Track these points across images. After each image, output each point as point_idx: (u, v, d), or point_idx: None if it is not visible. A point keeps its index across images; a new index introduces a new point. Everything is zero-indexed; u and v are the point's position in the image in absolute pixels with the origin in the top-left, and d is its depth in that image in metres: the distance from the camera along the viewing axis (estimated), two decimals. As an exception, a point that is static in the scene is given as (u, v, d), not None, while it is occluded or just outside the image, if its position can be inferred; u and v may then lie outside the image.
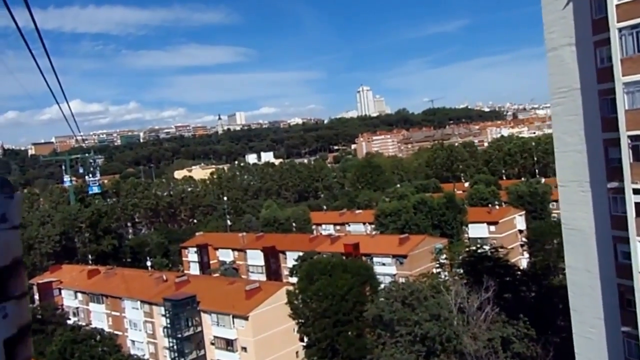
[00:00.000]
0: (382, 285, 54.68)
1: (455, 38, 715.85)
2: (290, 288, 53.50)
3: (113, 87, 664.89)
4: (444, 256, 74.28)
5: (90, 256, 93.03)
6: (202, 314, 55.18)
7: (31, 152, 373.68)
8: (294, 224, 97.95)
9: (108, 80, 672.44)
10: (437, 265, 73.08)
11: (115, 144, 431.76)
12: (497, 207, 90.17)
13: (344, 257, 69.30)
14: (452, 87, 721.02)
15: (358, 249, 72.06)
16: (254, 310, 50.88)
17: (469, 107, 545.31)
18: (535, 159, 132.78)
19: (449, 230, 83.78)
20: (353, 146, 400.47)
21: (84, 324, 71.83)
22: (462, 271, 62.38)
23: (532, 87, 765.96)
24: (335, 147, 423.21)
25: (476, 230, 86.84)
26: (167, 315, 55.12)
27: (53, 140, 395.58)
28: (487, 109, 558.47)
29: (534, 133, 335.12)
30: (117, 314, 66.80)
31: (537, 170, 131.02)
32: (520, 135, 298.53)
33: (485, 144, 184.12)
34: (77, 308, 73.31)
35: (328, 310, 50.31)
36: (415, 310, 38.77)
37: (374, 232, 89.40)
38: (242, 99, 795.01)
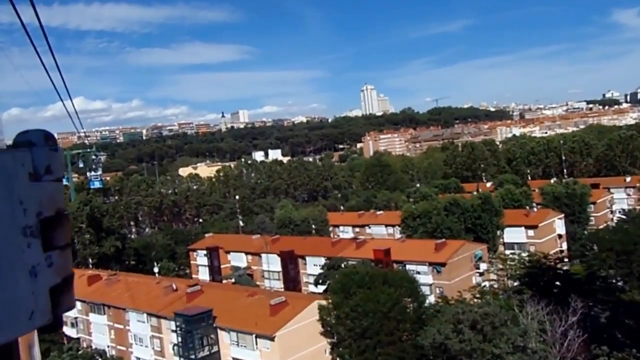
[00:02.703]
0: (428, 301, 47.43)
1: (459, 38, 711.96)
2: (323, 302, 46.13)
3: (116, 84, 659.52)
4: (485, 264, 67.43)
5: (90, 260, 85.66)
6: (219, 331, 47.85)
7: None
8: (313, 227, 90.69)
9: (111, 77, 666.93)
10: (478, 274, 66.24)
11: (118, 141, 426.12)
12: (535, 209, 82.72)
13: (374, 265, 62.29)
14: (456, 87, 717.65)
15: (389, 256, 64.77)
16: (281, 330, 43.53)
17: (474, 106, 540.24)
18: (564, 157, 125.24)
19: (484, 234, 76.40)
20: (359, 145, 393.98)
21: (82, 336, 64.79)
22: (516, 283, 55.33)
23: (536, 87, 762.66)
24: (341, 146, 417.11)
25: (513, 235, 79.39)
26: (179, 332, 47.84)
27: (55, 135, 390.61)
28: (492, 109, 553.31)
29: (546, 133, 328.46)
30: (121, 326, 59.49)
31: (565, 170, 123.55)
32: (533, 135, 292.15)
33: (498, 143, 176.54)
34: (76, 318, 65.98)
35: (369, 330, 42.98)
36: (491, 339, 31.40)
37: (401, 236, 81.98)
38: (245, 97, 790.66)
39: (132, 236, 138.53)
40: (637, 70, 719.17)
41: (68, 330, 65.91)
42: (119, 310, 59.17)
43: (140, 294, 59.27)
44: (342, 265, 63.16)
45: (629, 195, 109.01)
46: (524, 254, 59.94)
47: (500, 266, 60.71)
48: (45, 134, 2.00)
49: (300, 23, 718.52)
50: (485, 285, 56.23)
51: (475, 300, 45.29)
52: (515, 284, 52.09)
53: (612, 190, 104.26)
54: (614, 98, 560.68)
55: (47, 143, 1.97)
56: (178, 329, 48.11)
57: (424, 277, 62.09)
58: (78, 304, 65.76)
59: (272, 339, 43.27)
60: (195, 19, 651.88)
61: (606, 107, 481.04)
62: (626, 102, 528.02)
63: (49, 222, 1.87)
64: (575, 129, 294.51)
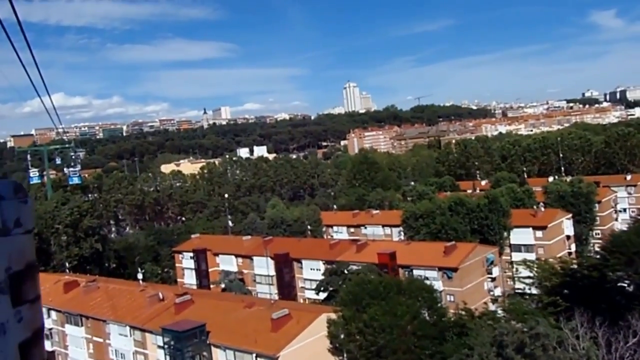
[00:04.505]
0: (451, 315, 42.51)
1: (440, 37, 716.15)
2: (331, 315, 40.97)
3: (97, 80, 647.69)
4: (497, 268, 62.98)
5: (68, 263, 79.12)
6: (213, 349, 42.41)
7: (10, 144, 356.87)
8: (309, 227, 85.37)
9: (92, 74, 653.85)
10: (490, 280, 61.75)
11: (98, 137, 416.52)
12: (542, 208, 78.56)
13: (379, 270, 57.41)
14: (438, 85, 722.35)
15: (395, 260, 59.84)
16: (285, 349, 38.25)
17: (456, 104, 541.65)
18: (562, 154, 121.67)
19: (491, 235, 71.98)
20: (343, 142, 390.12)
21: (57, 349, 58.78)
22: (541, 292, 50.78)
23: (515, 86, 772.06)
24: (324, 143, 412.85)
25: (520, 236, 75.05)
26: (168, 349, 42.30)
27: (33, 132, 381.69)
28: (474, 107, 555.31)
29: (531, 130, 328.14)
30: (100, 340, 53.62)
31: (562, 168, 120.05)
32: (519, 133, 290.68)
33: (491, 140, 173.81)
34: (51, 329, 59.78)
35: (386, 348, 37.96)
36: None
37: (400, 237, 77.22)
38: (227, 94, 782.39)
39: (112, 235, 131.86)
40: (615, 70, 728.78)
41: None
42: (99, 322, 53.32)
43: (122, 304, 53.50)
44: (345, 271, 58.07)
45: (630, 194, 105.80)
46: (551, 260, 55.36)
47: (528, 273, 56.07)
48: (14, 186, 1.92)
49: (282, 20, 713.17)
50: (509, 294, 51.61)
51: (504, 314, 40.66)
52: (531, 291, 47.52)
53: (613, 188, 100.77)
54: (594, 97, 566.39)
55: (16, 195, 1.89)
56: (166, 346, 42.58)
57: (434, 283, 57.25)
58: (53, 314, 59.80)
59: (275, 359, 37.96)
60: (177, 15, 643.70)
61: (587, 106, 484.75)
62: (606, 101, 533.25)
63: (19, 277, 1.80)
64: (559, 127, 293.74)
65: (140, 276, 60.44)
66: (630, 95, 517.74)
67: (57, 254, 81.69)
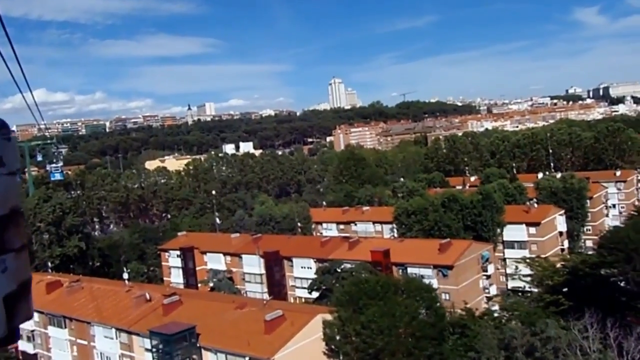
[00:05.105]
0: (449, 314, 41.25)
1: (425, 34, 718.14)
2: (328, 316, 39.47)
3: (79, 76, 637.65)
4: (492, 266, 61.98)
5: (50, 263, 76.55)
6: (204, 352, 40.67)
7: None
8: (299, 224, 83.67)
9: (74, 69, 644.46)
10: (485, 277, 60.72)
11: (80, 133, 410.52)
12: (535, 205, 77.80)
13: (373, 268, 56.08)
14: (423, 81, 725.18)
15: (389, 257, 58.54)
16: (280, 352, 36.68)
17: (441, 101, 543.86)
18: (551, 150, 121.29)
19: (484, 232, 70.97)
20: (329, 138, 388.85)
21: (39, 352, 56.60)
22: (541, 290, 49.72)
23: (499, 83, 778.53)
24: (310, 140, 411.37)
25: (513, 233, 74.15)
26: (156, 353, 40.48)
27: (14, 128, 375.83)
28: (459, 103, 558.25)
29: (517, 126, 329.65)
30: (85, 342, 51.57)
31: (552, 164, 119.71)
32: (505, 129, 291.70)
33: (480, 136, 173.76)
34: (33, 332, 57.61)
35: (384, 351, 36.54)
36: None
37: (392, 234, 75.97)
38: (211, 90, 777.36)
39: (96, 234, 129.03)
40: (598, 66, 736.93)
41: (24, 345, 57.72)
42: (83, 324, 51.26)
43: (108, 305, 51.49)
44: (338, 270, 56.60)
45: (619, 189, 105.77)
46: (553, 258, 54.41)
47: (528, 271, 55.04)
48: None
49: (267, 16, 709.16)
50: (508, 293, 50.55)
51: (506, 313, 39.47)
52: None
53: (604, 184, 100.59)
54: (577, 94, 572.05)
55: None
56: (155, 349, 40.74)
57: (429, 281, 56.02)
58: (35, 315, 57.43)
59: (269, 362, 36.39)
60: (160, 10, 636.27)
61: (570, 103, 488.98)
62: (589, 97, 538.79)
63: (3, 222, 1.65)
64: (544, 123, 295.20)
65: (125, 276, 58.35)
66: (613, 92, 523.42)
67: (39, 253, 79.06)
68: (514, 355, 26.93)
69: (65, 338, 53.71)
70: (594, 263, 43.52)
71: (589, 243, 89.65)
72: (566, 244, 78.72)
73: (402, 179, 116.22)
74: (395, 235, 74.49)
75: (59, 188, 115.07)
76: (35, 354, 58.11)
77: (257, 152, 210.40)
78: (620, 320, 31.73)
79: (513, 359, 26.94)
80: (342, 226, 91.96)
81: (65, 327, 53.69)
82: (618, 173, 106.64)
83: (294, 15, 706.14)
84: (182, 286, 75.91)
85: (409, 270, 57.74)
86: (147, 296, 49.76)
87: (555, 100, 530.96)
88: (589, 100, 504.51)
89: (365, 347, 37.12)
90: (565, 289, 41.31)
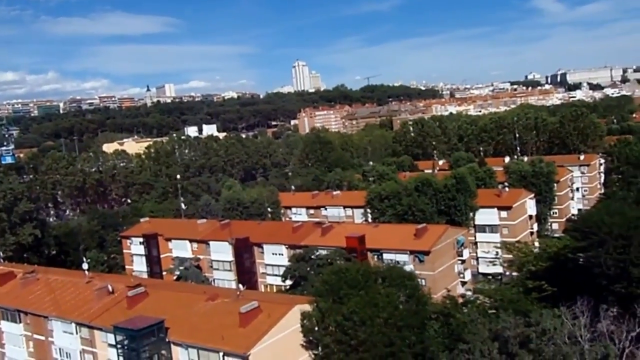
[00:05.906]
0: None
1: (388, 17, 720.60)
2: (306, 307, 37.32)
3: (30, 55, 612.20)
4: (467, 250, 61.03)
5: (2, 253, 71.84)
6: (174, 347, 37.99)
7: None
8: (268, 209, 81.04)
9: (25, 48, 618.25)
10: (460, 262, 59.73)
11: (32, 114, 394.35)
12: (506, 189, 77.42)
13: (348, 255, 54.29)
14: (386, 65, 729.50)
15: (364, 244, 56.76)
16: (256, 346, 34.35)
17: (404, 85, 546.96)
18: (517, 134, 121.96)
19: (457, 216, 70.14)
20: (293, 122, 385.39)
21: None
22: (520, 275, 48.72)
23: (461, 68, 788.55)
24: (274, 123, 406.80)
25: (485, 217, 73.69)
26: (121, 349, 37.56)
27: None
28: (423, 88, 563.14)
29: (480, 111, 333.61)
30: (42, 337, 47.96)
31: (518, 148, 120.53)
32: (469, 113, 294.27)
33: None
34: (-16, 326, 53.42)
35: (366, 342, 34.73)
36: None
37: (368, 219, 74.29)
38: (171, 71, 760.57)
39: (51, 220, 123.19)
40: (556, 53, 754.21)
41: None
42: (40, 318, 47.60)
43: (67, 298, 47.96)
44: (312, 257, 54.49)
45: (583, 173, 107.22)
46: (536, 243, 53.70)
47: (509, 256, 54.12)
48: None
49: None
50: (491, 279, 49.55)
51: (489, 300, 38.18)
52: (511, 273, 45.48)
53: (569, 168, 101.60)
54: (536, 80, 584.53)
55: None
56: (119, 345, 37.79)
57: (406, 267, 54.58)
58: (-14, 309, 53.34)
59: (245, 358, 34.01)
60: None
61: (529, 88, 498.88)
62: (547, 83, 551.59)
63: None
64: (506, 108, 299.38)
65: (85, 265, 54.58)
66: (570, 78, 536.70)
67: (-11, 242, 74.23)
68: (507, 346, 25.49)
69: (20, 333, 49.89)
70: (575, 248, 42.66)
71: (555, 226, 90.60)
72: (535, 227, 78.87)
73: (371, 163, 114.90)
74: (369, 220, 72.88)
75: (10, 172, 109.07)
76: (-13, 350, 54.09)
77: (221, 135, 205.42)
78: (610, 307, 30.75)
79: (507, 351, 25.50)
80: (312, 211, 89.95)
81: (20, 322, 49.84)
82: (582, 157, 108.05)
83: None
84: (145, 275, 72.60)
85: (385, 256, 56.19)
86: (110, 288, 46.46)
87: (515, 86, 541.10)
88: (547, 86, 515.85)
89: (347, 339, 35.29)
90: (546, 275, 40.39)
